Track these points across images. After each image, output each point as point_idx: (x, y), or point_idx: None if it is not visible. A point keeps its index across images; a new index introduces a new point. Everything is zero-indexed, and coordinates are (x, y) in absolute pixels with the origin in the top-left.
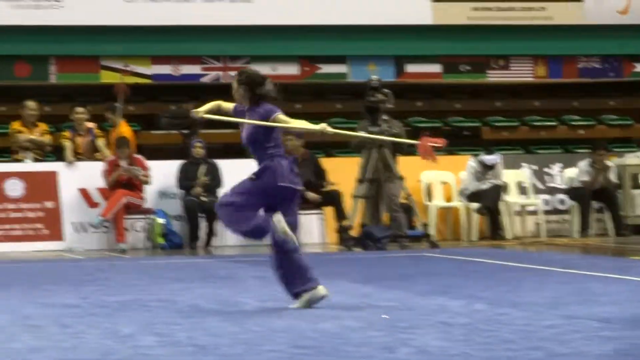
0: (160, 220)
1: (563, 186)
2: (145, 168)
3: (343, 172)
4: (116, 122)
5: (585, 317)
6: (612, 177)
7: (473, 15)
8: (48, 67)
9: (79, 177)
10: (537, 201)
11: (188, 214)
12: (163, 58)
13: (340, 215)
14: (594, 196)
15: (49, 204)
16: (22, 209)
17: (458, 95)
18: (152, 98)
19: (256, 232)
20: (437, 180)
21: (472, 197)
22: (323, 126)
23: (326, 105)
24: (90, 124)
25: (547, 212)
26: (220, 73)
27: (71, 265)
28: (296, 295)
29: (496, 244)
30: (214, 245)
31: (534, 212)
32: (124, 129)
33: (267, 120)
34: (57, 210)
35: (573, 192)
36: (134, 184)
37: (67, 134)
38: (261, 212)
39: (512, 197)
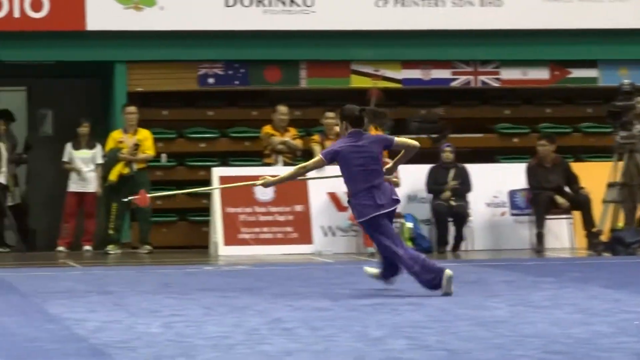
0: (409, 224)
1: None
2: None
3: (592, 177)
4: (367, 127)
5: None
6: None
7: None
8: (298, 71)
9: (328, 181)
10: None
11: (437, 218)
12: (413, 62)
13: (588, 220)
14: None
15: (298, 208)
16: (272, 213)
17: None
18: (402, 102)
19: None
20: None
21: None
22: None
23: (576, 110)
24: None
25: None
26: (471, 77)
27: (320, 269)
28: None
29: None
30: (463, 250)
31: None
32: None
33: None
34: (306, 214)
35: None
36: None
37: (316, 137)
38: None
39: None
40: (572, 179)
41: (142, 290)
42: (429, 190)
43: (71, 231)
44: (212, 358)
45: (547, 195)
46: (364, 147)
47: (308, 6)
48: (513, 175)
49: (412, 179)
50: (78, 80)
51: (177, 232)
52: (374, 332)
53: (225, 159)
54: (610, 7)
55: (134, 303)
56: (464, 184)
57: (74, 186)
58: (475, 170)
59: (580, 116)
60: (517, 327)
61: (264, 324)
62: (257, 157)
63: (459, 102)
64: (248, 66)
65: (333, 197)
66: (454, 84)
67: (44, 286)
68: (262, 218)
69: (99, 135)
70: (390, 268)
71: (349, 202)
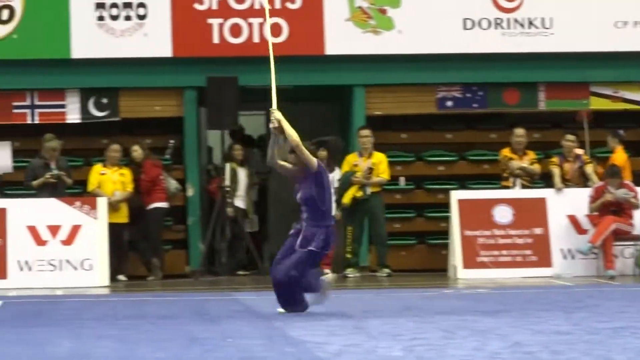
0: None
1: None
2: (634, 191)
3: None
4: (614, 148)
5: None
6: None
7: None
8: (537, 93)
9: (567, 204)
10: None
11: None
12: None
13: None
14: None
15: (538, 231)
16: (511, 236)
17: None
18: None
19: None
20: None
21: None
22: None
23: None
24: (579, 151)
25: None
26: None
27: (560, 292)
28: None
29: None
30: None
31: None
32: (619, 156)
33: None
34: (545, 237)
35: None
36: (623, 210)
37: (555, 160)
38: None
39: None
40: None
41: (382, 314)
42: None
43: None
44: None
45: None
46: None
47: (547, 28)
48: None
49: None
50: (317, 104)
51: (415, 255)
52: (616, 356)
53: (463, 182)
54: None
55: (374, 326)
56: None
57: None
58: None
59: None
60: None
61: (505, 347)
62: (495, 180)
63: None
64: (486, 89)
65: (573, 219)
66: None
67: None
68: (501, 241)
69: (337, 159)
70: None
71: (319, 225)
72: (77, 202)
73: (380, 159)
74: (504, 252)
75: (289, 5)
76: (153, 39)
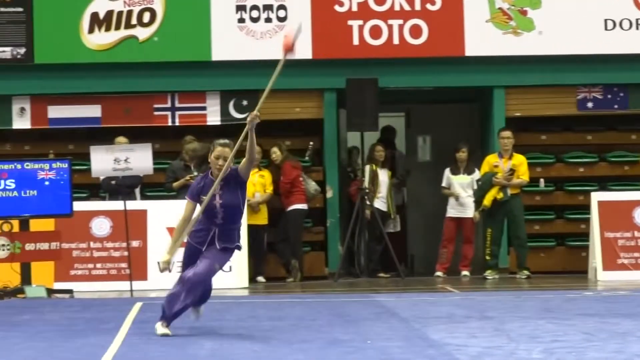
0: None
1: None
2: None
3: None
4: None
5: None
6: None
7: None
8: None
9: None
10: None
11: None
12: None
13: None
14: None
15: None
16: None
17: None
18: None
19: None
20: None
21: None
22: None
23: None
24: None
25: None
26: None
27: None
28: None
29: None
30: None
31: None
32: None
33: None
34: None
35: None
36: None
37: None
38: None
39: None
40: None
41: (522, 316)
42: None
43: (449, 256)
44: None
45: None
46: None
47: None
48: None
49: None
50: (456, 105)
51: (555, 257)
52: None
53: (603, 184)
54: None
55: (514, 328)
56: None
57: (452, 211)
58: None
59: None
60: None
61: None
62: (636, 181)
63: None
64: (627, 90)
65: None
66: None
67: (424, 311)
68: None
69: (476, 160)
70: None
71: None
72: None
73: (520, 161)
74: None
75: (429, 7)
76: None
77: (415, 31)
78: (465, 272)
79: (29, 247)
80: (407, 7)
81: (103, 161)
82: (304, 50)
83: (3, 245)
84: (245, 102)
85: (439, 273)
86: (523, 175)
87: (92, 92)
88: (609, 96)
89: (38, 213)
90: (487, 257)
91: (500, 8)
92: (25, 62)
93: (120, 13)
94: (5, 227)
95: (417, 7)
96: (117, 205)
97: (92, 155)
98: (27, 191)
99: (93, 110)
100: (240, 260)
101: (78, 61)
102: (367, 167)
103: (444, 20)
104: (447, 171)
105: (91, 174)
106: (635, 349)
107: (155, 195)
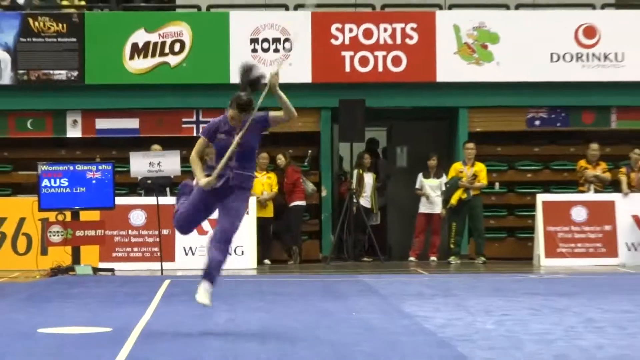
0: None
1: None
2: None
3: None
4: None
5: None
6: None
7: None
8: (610, 115)
9: (632, 206)
10: None
11: None
12: None
13: None
14: None
15: (607, 227)
16: (585, 231)
17: None
18: None
19: None
20: None
21: None
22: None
23: None
24: None
25: None
26: None
27: (625, 278)
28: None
29: None
30: None
31: None
32: None
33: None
34: (613, 233)
35: None
36: None
37: (623, 170)
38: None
39: None
40: None
41: (478, 294)
42: None
43: (420, 245)
44: (536, 350)
45: None
46: None
47: (619, 61)
48: None
49: None
50: (429, 122)
51: (507, 246)
52: None
53: (547, 187)
54: None
55: (472, 304)
56: None
57: (423, 208)
58: None
59: None
60: None
61: (579, 323)
62: (573, 185)
63: None
64: (568, 111)
65: (637, 219)
66: None
67: (399, 289)
68: (577, 235)
69: (445, 167)
70: None
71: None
72: None
73: (480, 168)
74: (579, 244)
75: (408, 41)
76: (297, 67)
77: (396, 61)
78: (433, 258)
79: (79, 233)
80: (389, 41)
81: (140, 164)
82: (304, 75)
83: (57, 231)
84: None
85: (412, 258)
86: (482, 179)
87: (132, 108)
88: (553, 116)
89: (86, 206)
90: (452, 246)
91: (465, 43)
92: (78, 83)
93: (155, 43)
94: (60, 217)
95: (398, 41)
96: (151, 200)
97: (131, 159)
98: (78, 188)
99: (132, 123)
100: (250, 246)
101: (121, 82)
102: (355, 172)
103: (419, 52)
104: (420, 175)
105: (130, 174)
106: (571, 322)
107: None
